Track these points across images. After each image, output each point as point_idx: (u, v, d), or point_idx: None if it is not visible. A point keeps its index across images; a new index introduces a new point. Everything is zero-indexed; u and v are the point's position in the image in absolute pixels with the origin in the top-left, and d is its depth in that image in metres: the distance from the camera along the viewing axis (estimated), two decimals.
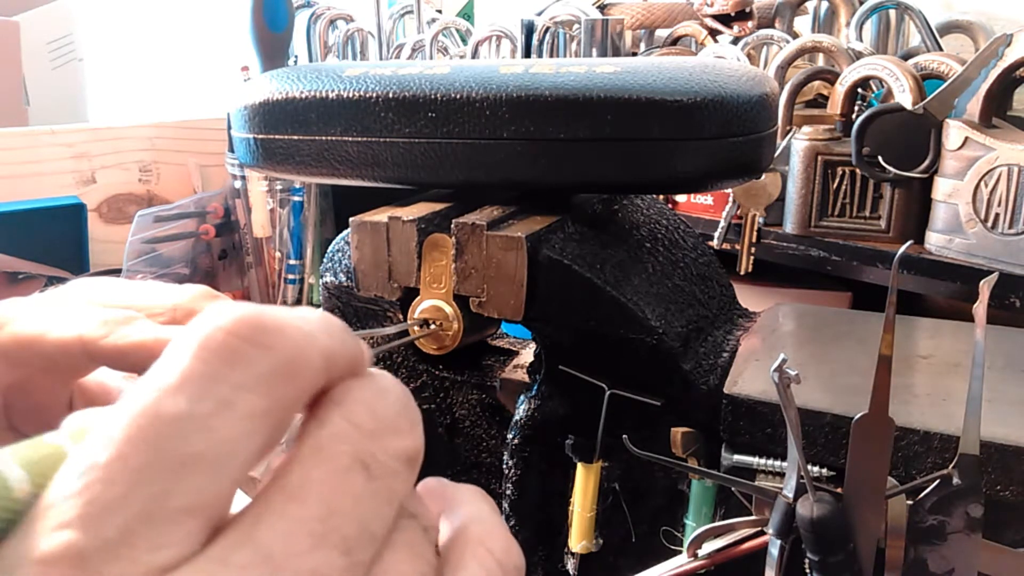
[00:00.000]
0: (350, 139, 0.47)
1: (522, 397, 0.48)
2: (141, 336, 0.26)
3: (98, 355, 0.26)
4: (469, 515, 0.21)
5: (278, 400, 0.17)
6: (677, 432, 0.43)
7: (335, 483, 0.17)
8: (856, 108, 0.82)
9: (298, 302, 1.27)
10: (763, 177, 0.81)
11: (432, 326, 0.46)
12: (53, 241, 1.12)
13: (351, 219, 0.47)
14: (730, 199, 0.86)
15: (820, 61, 0.93)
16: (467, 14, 1.56)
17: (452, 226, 0.45)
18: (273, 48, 1.10)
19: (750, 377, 0.42)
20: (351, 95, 0.47)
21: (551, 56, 1.09)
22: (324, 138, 0.48)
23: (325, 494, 0.17)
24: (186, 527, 0.15)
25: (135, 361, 0.26)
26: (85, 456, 0.15)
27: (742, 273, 0.86)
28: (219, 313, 0.17)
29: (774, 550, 0.39)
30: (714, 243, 0.87)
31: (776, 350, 0.45)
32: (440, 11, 1.49)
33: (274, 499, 0.17)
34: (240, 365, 0.16)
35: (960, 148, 0.71)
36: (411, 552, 0.19)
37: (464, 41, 1.25)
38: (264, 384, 0.17)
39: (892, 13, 0.97)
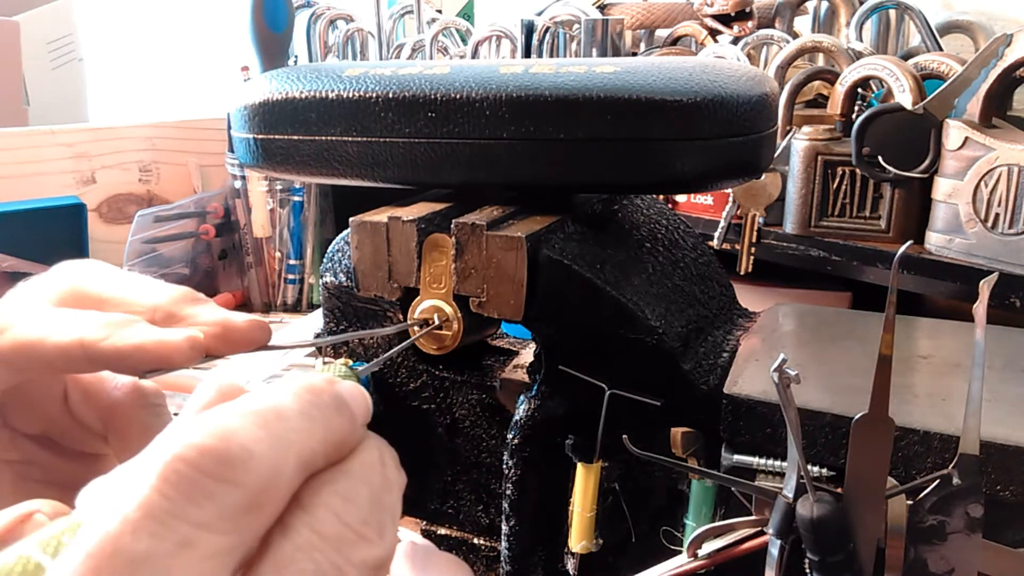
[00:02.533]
0: (350, 139, 0.47)
1: (522, 397, 0.48)
2: (140, 339, 0.26)
3: (98, 358, 0.26)
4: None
5: (244, 534, 0.17)
6: (677, 432, 0.43)
7: None
8: (856, 108, 0.82)
9: (298, 302, 1.27)
10: (763, 177, 0.81)
11: (432, 326, 0.46)
12: (53, 241, 1.12)
13: (351, 219, 0.47)
14: (730, 199, 0.86)
15: (820, 61, 0.93)
16: (467, 14, 1.56)
17: (452, 226, 0.45)
18: (273, 48, 1.10)
19: (750, 377, 0.42)
20: (351, 95, 0.47)
21: (551, 56, 1.09)
22: (324, 138, 0.48)
23: None
24: None
25: (135, 363, 0.26)
26: None
27: (742, 273, 0.86)
28: (184, 438, 0.16)
29: (774, 550, 0.39)
30: (714, 243, 0.87)
31: (776, 350, 0.45)
32: (440, 11, 1.49)
33: None
34: (202, 502, 0.16)
35: (960, 148, 0.71)
36: None
37: (464, 41, 1.25)
38: (228, 521, 0.16)
39: (892, 13, 0.97)
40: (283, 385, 0.19)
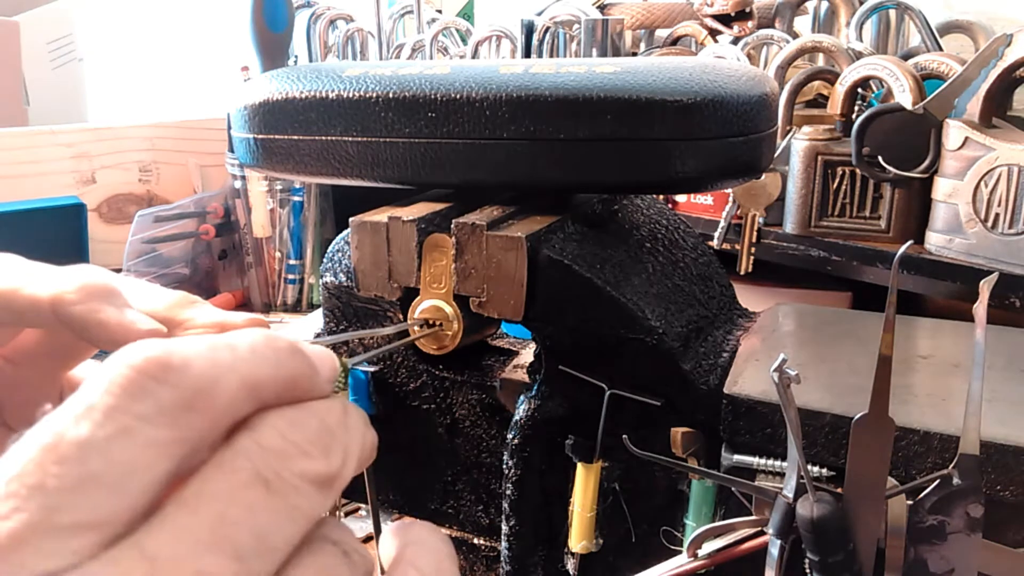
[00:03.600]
0: (350, 139, 0.47)
1: (522, 397, 0.48)
2: (107, 316, 0.26)
3: (64, 317, 0.27)
4: (407, 541, 0.23)
5: (183, 430, 0.18)
6: (677, 432, 0.43)
7: (231, 494, 0.18)
8: (856, 108, 0.82)
9: (298, 302, 1.27)
10: (763, 177, 0.81)
11: (432, 326, 0.46)
12: (53, 241, 1.12)
13: (351, 219, 0.47)
14: (730, 199, 0.86)
15: (820, 61, 0.93)
16: (467, 14, 1.56)
17: (452, 226, 0.45)
18: (273, 48, 1.10)
19: (750, 377, 0.42)
20: (351, 95, 0.47)
21: (551, 56, 1.09)
22: (324, 138, 0.48)
23: (218, 503, 0.18)
24: (80, 539, 0.17)
25: (94, 336, 0.27)
26: None
27: (742, 273, 0.86)
28: (131, 350, 0.19)
29: (774, 550, 0.39)
30: (714, 243, 0.87)
31: (776, 350, 0.45)
32: (440, 11, 1.49)
33: (167, 509, 0.18)
34: (142, 398, 0.18)
35: (960, 148, 0.71)
36: (323, 570, 0.20)
37: (464, 41, 1.25)
38: (166, 416, 0.18)
39: (892, 13, 0.97)
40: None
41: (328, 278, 0.52)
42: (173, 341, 0.19)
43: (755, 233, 0.85)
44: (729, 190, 0.85)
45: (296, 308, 1.27)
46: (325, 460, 0.20)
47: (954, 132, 0.71)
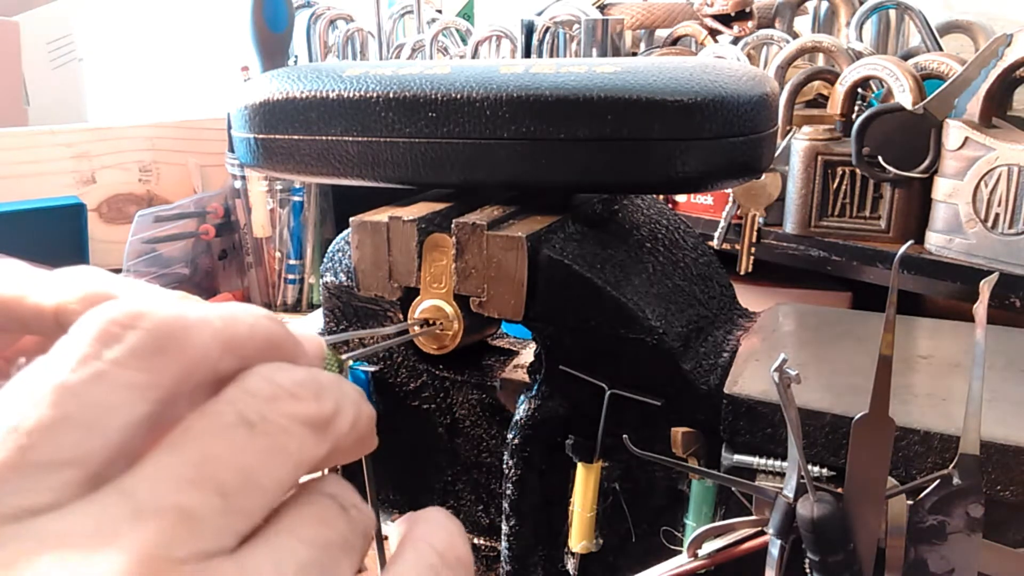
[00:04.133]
0: (350, 139, 0.47)
1: (522, 397, 0.48)
2: None
3: (68, 327, 0.27)
4: (418, 519, 0.23)
5: (156, 373, 0.19)
6: (677, 432, 0.43)
7: (214, 435, 0.18)
8: (856, 108, 0.82)
9: (298, 302, 1.27)
10: (763, 177, 0.81)
11: (432, 326, 0.46)
12: (53, 241, 1.11)
13: (351, 219, 0.47)
14: (730, 199, 0.86)
15: (820, 61, 0.93)
16: (467, 14, 1.56)
17: (452, 226, 0.45)
18: (273, 48, 1.10)
19: (750, 377, 0.42)
20: (351, 95, 0.47)
21: (551, 56, 1.09)
22: (324, 138, 0.48)
23: (201, 444, 0.18)
24: (56, 478, 0.17)
25: None
26: None
27: (742, 273, 0.86)
28: (106, 305, 0.19)
29: (774, 550, 0.39)
30: (714, 243, 0.87)
31: (776, 350, 0.45)
32: (440, 11, 1.49)
33: (152, 453, 0.18)
34: (113, 344, 0.18)
35: (960, 148, 0.71)
36: (317, 518, 0.20)
37: (464, 41, 1.25)
38: (137, 359, 0.18)
39: (892, 13, 0.97)
40: None
41: (328, 278, 0.52)
42: (145, 302, 0.20)
43: (755, 233, 0.85)
44: (729, 190, 0.85)
45: (296, 308, 1.27)
46: (316, 403, 0.20)
47: (954, 132, 0.71)
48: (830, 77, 0.85)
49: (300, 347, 0.22)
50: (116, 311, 0.19)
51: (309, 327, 0.56)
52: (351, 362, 0.50)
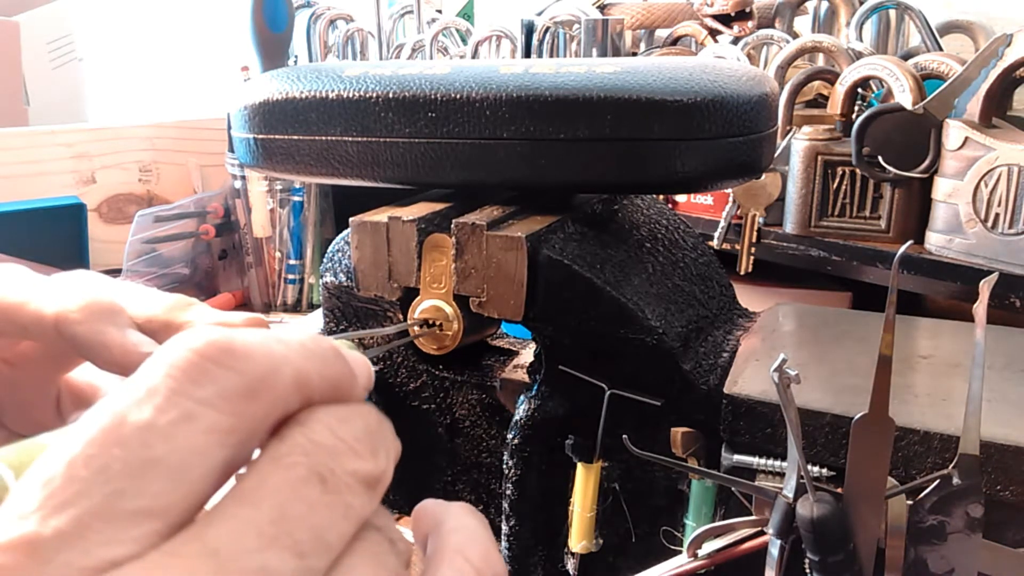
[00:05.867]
0: (350, 139, 0.47)
1: (522, 397, 0.48)
2: (110, 338, 0.27)
3: (67, 336, 0.27)
4: (451, 528, 0.22)
5: (242, 417, 0.18)
6: (677, 432, 0.43)
7: (290, 490, 0.18)
8: (856, 108, 0.82)
9: (298, 302, 1.27)
10: (763, 177, 0.81)
11: (432, 326, 0.46)
12: (53, 241, 1.12)
13: (351, 219, 0.47)
14: (730, 199, 0.86)
15: (820, 61, 0.93)
16: (467, 14, 1.56)
17: (452, 226, 0.45)
18: (273, 48, 1.10)
19: (750, 377, 0.42)
20: (351, 95, 0.47)
21: (551, 56, 1.09)
22: (324, 138, 0.48)
23: (279, 499, 0.18)
24: (141, 527, 0.16)
25: (95, 356, 0.27)
26: (54, 456, 0.17)
27: (742, 273, 0.86)
28: (192, 335, 0.18)
29: (774, 550, 0.39)
30: (714, 243, 0.87)
31: (776, 350, 0.45)
32: (440, 11, 1.49)
33: (227, 503, 0.17)
34: (204, 383, 0.17)
35: (960, 148, 0.71)
36: (374, 561, 0.19)
37: (464, 41, 1.25)
38: (227, 402, 0.18)
39: (892, 13, 0.97)
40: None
41: (328, 278, 0.52)
42: (228, 331, 0.19)
43: (755, 233, 0.85)
44: (729, 190, 0.85)
45: (296, 308, 1.27)
46: (373, 460, 0.20)
47: (954, 132, 0.71)
48: (830, 77, 0.85)
49: (355, 381, 0.21)
50: (207, 343, 0.18)
51: (309, 327, 0.56)
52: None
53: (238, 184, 1.24)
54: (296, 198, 1.24)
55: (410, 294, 0.47)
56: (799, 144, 0.81)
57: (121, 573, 0.16)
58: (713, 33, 1.02)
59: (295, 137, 0.49)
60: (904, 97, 0.76)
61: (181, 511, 0.17)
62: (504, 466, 0.48)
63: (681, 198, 0.94)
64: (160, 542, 0.16)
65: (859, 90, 0.81)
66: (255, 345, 0.19)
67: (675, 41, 1.06)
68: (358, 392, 0.22)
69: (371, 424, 0.20)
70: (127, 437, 0.16)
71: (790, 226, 0.83)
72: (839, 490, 0.37)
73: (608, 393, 0.44)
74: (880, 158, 0.76)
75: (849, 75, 0.81)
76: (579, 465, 0.46)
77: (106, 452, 0.16)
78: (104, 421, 0.17)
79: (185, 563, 0.16)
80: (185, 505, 0.17)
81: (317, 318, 0.55)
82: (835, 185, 0.80)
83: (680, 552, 0.43)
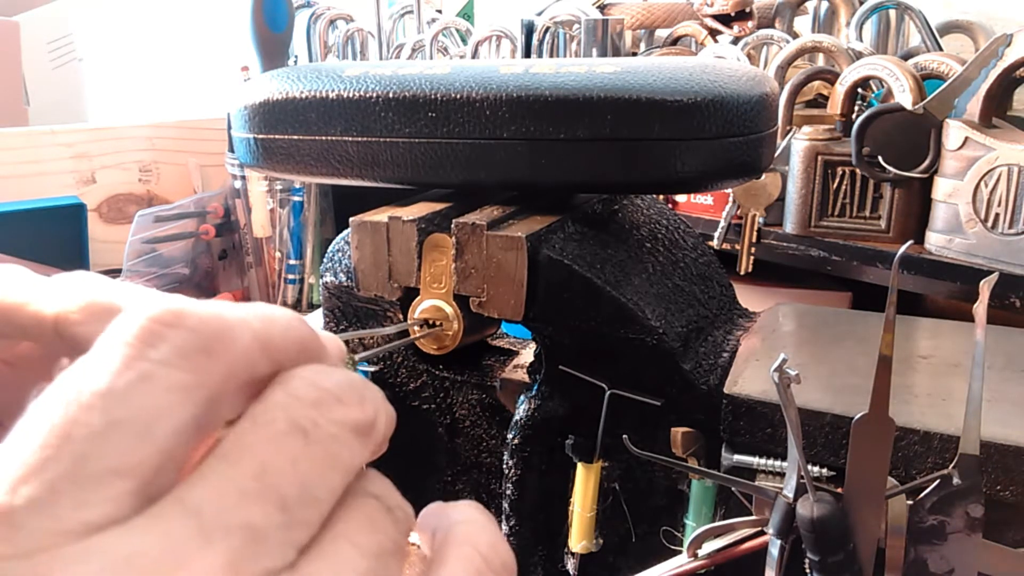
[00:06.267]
0: (350, 139, 0.47)
1: (522, 397, 0.48)
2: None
3: (67, 337, 0.27)
4: (458, 519, 0.22)
5: (202, 373, 0.18)
6: (677, 432, 0.43)
7: (270, 445, 0.18)
8: (856, 108, 0.82)
9: (298, 302, 1.27)
10: (763, 177, 0.81)
11: (432, 326, 0.46)
12: (53, 241, 1.11)
13: (351, 219, 0.47)
14: (730, 199, 0.86)
15: (820, 61, 0.93)
16: (467, 14, 1.56)
17: (452, 226, 0.45)
18: (273, 48, 1.10)
19: (750, 377, 0.42)
20: (351, 95, 0.47)
21: (551, 56, 1.09)
22: (324, 138, 0.48)
23: (259, 455, 0.18)
24: (113, 486, 0.17)
25: None
26: (19, 429, 0.17)
27: (742, 273, 0.86)
28: (143, 306, 0.19)
29: (774, 550, 0.39)
30: (714, 243, 0.86)
31: (776, 350, 0.45)
32: (440, 11, 1.49)
33: (208, 464, 0.18)
34: (159, 344, 0.18)
35: (960, 148, 0.71)
36: (369, 524, 0.19)
37: (464, 41, 1.25)
38: (185, 359, 0.18)
39: (892, 13, 0.97)
40: None
41: (328, 278, 0.52)
42: (182, 300, 0.19)
43: (755, 233, 0.85)
44: (729, 190, 0.85)
45: (296, 308, 1.27)
46: (360, 408, 0.20)
47: (954, 132, 0.71)
48: (830, 77, 0.85)
49: (325, 349, 0.22)
50: (156, 309, 0.18)
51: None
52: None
53: (238, 184, 1.24)
54: (296, 198, 1.24)
55: (410, 294, 0.47)
56: (799, 144, 0.81)
57: (102, 536, 0.16)
58: (713, 33, 1.02)
59: (295, 137, 0.49)
60: (904, 97, 0.76)
61: (151, 468, 0.17)
62: (504, 466, 0.48)
63: (681, 198, 0.94)
64: (137, 503, 0.17)
65: (859, 90, 0.81)
66: (208, 309, 0.19)
67: (675, 41, 1.06)
68: (329, 359, 0.22)
69: (355, 379, 0.20)
70: (87, 403, 0.17)
71: (790, 226, 0.83)
72: (839, 490, 0.37)
73: (608, 393, 0.44)
74: (880, 158, 0.75)
75: (849, 75, 0.81)
76: (579, 465, 0.46)
77: (68, 421, 0.17)
78: (64, 393, 0.17)
79: (167, 524, 0.16)
80: (155, 462, 0.17)
81: (317, 318, 0.55)
82: (835, 185, 0.80)
83: (680, 552, 0.43)
